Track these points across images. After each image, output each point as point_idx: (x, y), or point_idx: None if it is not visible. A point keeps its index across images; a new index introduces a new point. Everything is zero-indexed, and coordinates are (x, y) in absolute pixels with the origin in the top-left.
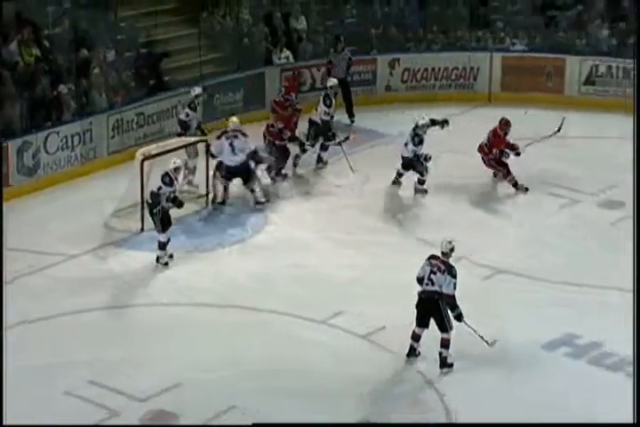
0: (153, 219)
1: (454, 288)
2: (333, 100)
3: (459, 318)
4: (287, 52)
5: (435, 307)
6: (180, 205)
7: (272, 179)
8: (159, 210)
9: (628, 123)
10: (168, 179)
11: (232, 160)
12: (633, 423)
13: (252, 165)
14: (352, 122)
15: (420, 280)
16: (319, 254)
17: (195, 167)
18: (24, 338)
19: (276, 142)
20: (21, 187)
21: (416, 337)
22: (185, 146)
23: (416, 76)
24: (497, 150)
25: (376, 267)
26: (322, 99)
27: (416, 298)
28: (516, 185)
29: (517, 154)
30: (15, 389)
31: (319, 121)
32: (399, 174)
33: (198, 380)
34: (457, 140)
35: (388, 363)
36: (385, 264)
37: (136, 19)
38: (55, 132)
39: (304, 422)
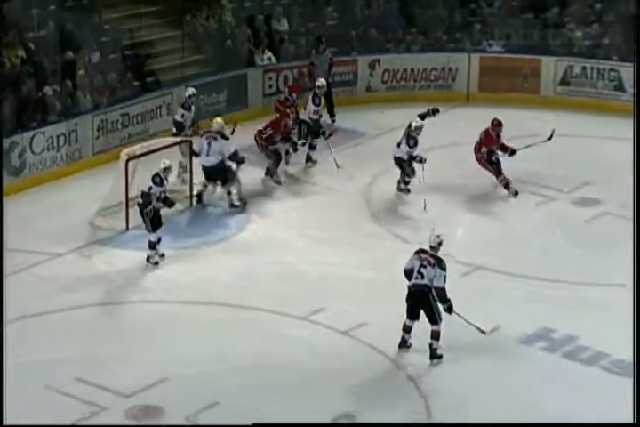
0: (143, 219)
1: (444, 281)
2: (322, 100)
3: (449, 310)
4: (269, 54)
5: (425, 300)
6: (171, 204)
7: (276, 182)
8: (150, 210)
9: (602, 122)
10: (158, 179)
11: (206, 160)
12: (633, 423)
13: (234, 166)
14: (333, 122)
15: (408, 273)
16: (301, 252)
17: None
18: (10, 336)
19: (269, 147)
20: (7, 187)
21: (407, 329)
22: (169, 146)
23: (396, 76)
24: (486, 149)
25: (356, 265)
26: (311, 98)
27: (397, 294)
28: (507, 186)
29: (512, 153)
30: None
31: (309, 120)
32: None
33: (183, 376)
34: (436, 139)
35: (368, 358)
36: (365, 262)
37: (120, 21)
38: (41, 133)
39: (287, 415)
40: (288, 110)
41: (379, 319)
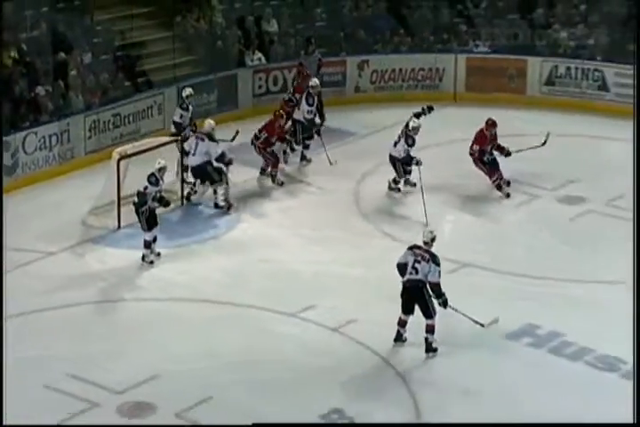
0: (139, 218)
1: (439, 276)
2: (315, 99)
3: (444, 304)
4: (259, 55)
5: (419, 295)
6: (166, 204)
7: (278, 184)
8: (146, 209)
9: (586, 121)
10: (154, 179)
11: (192, 160)
12: (633, 423)
13: (224, 168)
14: (321, 124)
15: (401, 268)
16: (292, 250)
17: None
18: (4, 334)
19: (266, 149)
20: None
21: (402, 323)
22: (160, 145)
23: (384, 77)
24: (478, 147)
25: (346, 262)
26: (304, 98)
27: (386, 291)
28: (499, 188)
29: (508, 154)
30: None
31: (303, 120)
32: (405, 173)
33: (175, 372)
34: (422, 139)
35: (358, 354)
36: (355, 260)
37: (112, 22)
38: (33, 133)
39: (278, 410)
40: (291, 110)
41: (368, 316)
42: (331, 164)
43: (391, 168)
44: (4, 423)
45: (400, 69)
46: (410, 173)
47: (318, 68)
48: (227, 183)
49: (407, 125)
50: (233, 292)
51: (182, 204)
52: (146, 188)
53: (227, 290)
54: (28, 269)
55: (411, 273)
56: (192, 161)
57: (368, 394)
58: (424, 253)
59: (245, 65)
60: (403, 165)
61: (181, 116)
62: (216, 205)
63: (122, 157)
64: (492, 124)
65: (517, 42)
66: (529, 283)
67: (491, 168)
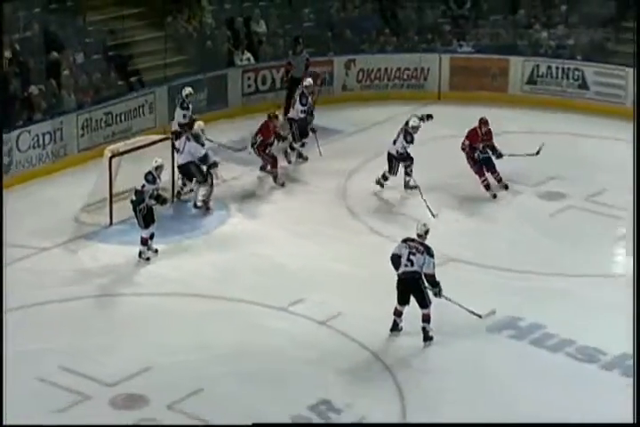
0: (136, 215)
1: (433, 267)
2: (309, 99)
3: (439, 293)
4: (248, 54)
5: (415, 286)
6: (163, 202)
7: (281, 184)
8: (143, 207)
9: (566, 119)
10: (151, 177)
11: (179, 158)
12: (633, 423)
13: (205, 169)
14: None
15: (394, 260)
16: (281, 246)
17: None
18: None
19: (265, 151)
20: None
21: (398, 313)
22: (151, 144)
23: (370, 76)
24: (468, 143)
25: (334, 257)
26: (298, 97)
27: (372, 285)
28: (487, 187)
29: (498, 157)
30: None
31: (297, 118)
32: (406, 174)
33: (166, 365)
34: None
35: (345, 347)
36: (342, 255)
37: (104, 23)
38: (27, 131)
39: (267, 402)
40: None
41: (355, 310)
42: (320, 155)
43: (378, 165)
44: (4, 423)
45: (386, 69)
46: (410, 174)
47: (306, 67)
48: (210, 185)
49: (407, 123)
50: (224, 286)
51: (172, 201)
52: (143, 186)
53: (217, 285)
54: (22, 265)
55: (406, 265)
56: (179, 159)
57: (355, 385)
58: (418, 245)
59: (235, 65)
60: (399, 162)
61: (184, 116)
62: (195, 205)
63: (114, 155)
64: (484, 122)
65: (500, 42)
66: (512, 277)
67: (478, 167)
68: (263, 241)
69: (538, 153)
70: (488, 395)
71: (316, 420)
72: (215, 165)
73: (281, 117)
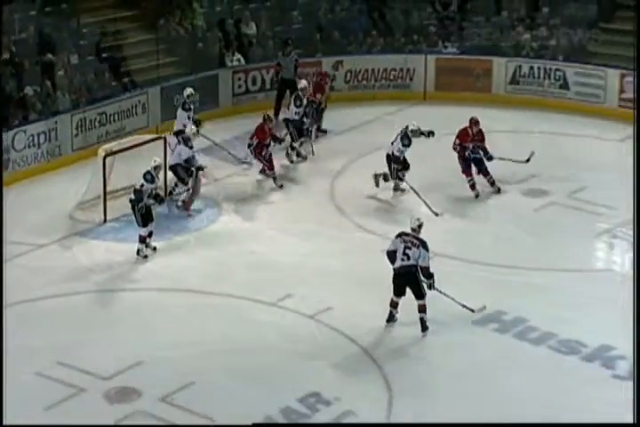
0: (135, 214)
1: (429, 260)
2: (304, 101)
3: (432, 286)
4: (239, 56)
5: (412, 278)
6: (161, 201)
7: (279, 186)
8: (142, 206)
9: (548, 118)
10: (150, 176)
11: (170, 159)
12: (633, 423)
13: (194, 171)
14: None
15: (390, 255)
16: (269, 243)
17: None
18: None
19: (261, 153)
20: None
21: (394, 304)
22: (143, 143)
23: (357, 76)
24: (458, 141)
25: (323, 254)
26: (292, 99)
27: (359, 280)
28: (473, 187)
29: (489, 159)
30: None
31: (292, 119)
32: (397, 178)
33: (159, 359)
34: (394, 136)
35: (333, 340)
36: (331, 251)
37: (98, 25)
38: (22, 131)
39: (258, 394)
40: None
41: (343, 304)
42: (313, 154)
43: (366, 164)
44: (4, 423)
45: (373, 69)
46: (402, 178)
47: (295, 68)
48: (193, 188)
49: (407, 127)
50: (215, 282)
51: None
52: (142, 185)
53: (209, 281)
54: (19, 261)
55: (402, 259)
56: (170, 159)
57: (343, 378)
58: (413, 239)
59: (225, 66)
60: (393, 164)
61: (188, 118)
62: (176, 205)
63: (107, 154)
64: (475, 122)
65: (484, 43)
66: (495, 271)
67: (466, 166)
68: (254, 239)
69: (528, 161)
70: (474, 387)
71: (305, 412)
72: (200, 168)
73: (273, 117)
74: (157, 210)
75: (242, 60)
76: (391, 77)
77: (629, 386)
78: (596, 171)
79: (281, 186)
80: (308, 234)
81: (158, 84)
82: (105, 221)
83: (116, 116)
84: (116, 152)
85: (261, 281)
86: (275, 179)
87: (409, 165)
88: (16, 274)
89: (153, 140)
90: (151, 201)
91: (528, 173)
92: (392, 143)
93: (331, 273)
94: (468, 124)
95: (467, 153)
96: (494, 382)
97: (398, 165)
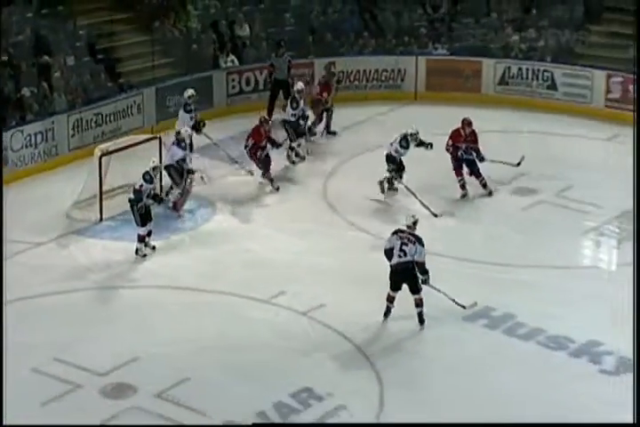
0: (134, 214)
1: (424, 256)
2: (300, 103)
3: (427, 281)
4: (232, 57)
5: (410, 274)
6: (160, 201)
7: (275, 189)
8: (142, 206)
9: (536, 118)
10: (149, 177)
11: (165, 159)
12: (633, 423)
13: (185, 174)
14: None
15: (388, 253)
16: (263, 241)
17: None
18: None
19: (256, 154)
20: None
21: (391, 299)
22: (139, 143)
23: (349, 77)
24: (451, 142)
25: (316, 252)
26: (289, 101)
27: (351, 277)
28: (463, 187)
29: (481, 160)
30: None
31: (290, 121)
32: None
33: (155, 355)
34: (386, 135)
35: (326, 337)
36: (324, 249)
37: (94, 27)
38: (20, 131)
39: (251, 390)
40: (317, 109)
41: (335, 301)
42: (308, 154)
43: (359, 164)
44: (4, 423)
45: (364, 70)
46: (396, 178)
47: (288, 69)
48: (183, 190)
49: (407, 131)
50: (210, 281)
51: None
52: (141, 185)
53: (204, 279)
54: (17, 259)
55: (400, 256)
56: (165, 160)
57: (336, 373)
58: (409, 235)
59: (219, 67)
60: (392, 164)
61: (191, 119)
62: (169, 206)
63: (103, 154)
64: (467, 123)
65: (473, 45)
66: (485, 268)
67: (458, 166)
68: (248, 237)
69: (519, 164)
70: (464, 382)
71: (297, 407)
72: (190, 172)
73: (269, 119)
74: (155, 210)
75: (236, 61)
76: (383, 78)
77: (616, 381)
78: (583, 170)
79: (277, 188)
80: (302, 233)
81: (153, 84)
82: (101, 219)
83: (112, 117)
84: (111, 152)
85: (256, 279)
86: (271, 181)
87: (404, 168)
88: (14, 272)
89: (148, 140)
90: (150, 201)
91: (517, 171)
92: (391, 144)
93: (324, 271)
94: (460, 124)
95: (459, 153)
96: (484, 377)
97: (394, 166)
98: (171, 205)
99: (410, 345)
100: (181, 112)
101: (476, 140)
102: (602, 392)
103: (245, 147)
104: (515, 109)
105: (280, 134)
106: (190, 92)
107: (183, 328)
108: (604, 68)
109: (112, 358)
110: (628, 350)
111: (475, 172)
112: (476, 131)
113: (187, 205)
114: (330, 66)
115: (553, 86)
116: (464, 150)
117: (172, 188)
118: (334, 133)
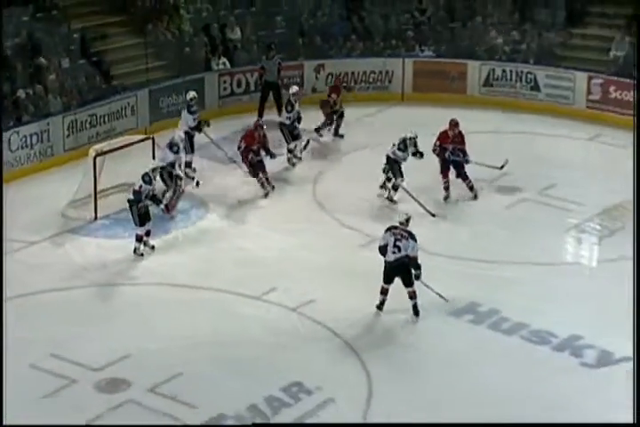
0: (132, 214)
1: (417, 251)
2: (295, 106)
3: (419, 276)
4: (224, 60)
5: (404, 269)
6: (159, 202)
7: (265, 193)
8: (141, 206)
9: (520, 119)
10: (148, 178)
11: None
12: (633, 423)
13: (180, 174)
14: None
15: (382, 249)
16: (255, 239)
17: (190, 162)
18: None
19: (247, 157)
20: None
21: (385, 291)
22: (132, 144)
23: (338, 79)
24: (439, 143)
25: (306, 249)
26: (285, 105)
27: (340, 274)
28: (446, 189)
29: (466, 162)
30: None
31: (285, 124)
32: (387, 179)
33: (148, 351)
34: (373, 136)
35: (315, 332)
36: (314, 247)
37: (88, 30)
38: (16, 132)
39: (244, 385)
40: (325, 110)
41: (325, 297)
42: (301, 153)
43: (348, 164)
44: (4, 423)
45: (353, 72)
46: (391, 179)
47: (278, 71)
48: (176, 192)
49: (406, 135)
50: (203, 278)
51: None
52: (140, 186)
53: (197, 277)
54: (14, 257)
55: (394, 252)
56: (156, 161)
57: (325, 368)
58: (403, 231)
59: (211, 69)
60: (387, 164)
61: (194, 120)
62: (161, 208)
63: (98, 154)
64: (454, 124)
65: (459, 47)
66: (470, 265)
67: (445, 168)
68: (240, 236)
69: (502, 168)
70: (450, 375)
71: (287, 400)
72: (179, 177)
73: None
74: (154, 211)
75: (227, 63)
76: (370, 80)
77: (597, 373)
78: (565, 169)
79: (266, 195)
80: (292, 231)
81: (147, 86)
82: (95, 218)
83: (106, 118)
84: (106, 152)
85: (248, 276)
86: (262, 185)
87: (401, 169)
88: (11, 270)
89: (142, 140)
90: (149, 202)
91: (501, 171)
92: (392, 146)
93: (314, 268)
94: (447, 126)
95: (446, 154)
96: (468, 371)
97: (389, 166)
98: (162, 206)
99: (398, 340)
100: (184, 113)
101: (462, 142)
102: (583, 385)
103: (238, 148)
104: (499, 110)
105: (275, 135)
106: (192, 94)
107: (177, 325)
108: (585, 70)
109: (107, 354)
110: (607, 344)
111: (462, 174)
112: (463, 132)
113: (180, 206)
114: (342, 79)
115: (536, 88)
116: (451, 151)
117: (166, 190)
118: (342, 136)
